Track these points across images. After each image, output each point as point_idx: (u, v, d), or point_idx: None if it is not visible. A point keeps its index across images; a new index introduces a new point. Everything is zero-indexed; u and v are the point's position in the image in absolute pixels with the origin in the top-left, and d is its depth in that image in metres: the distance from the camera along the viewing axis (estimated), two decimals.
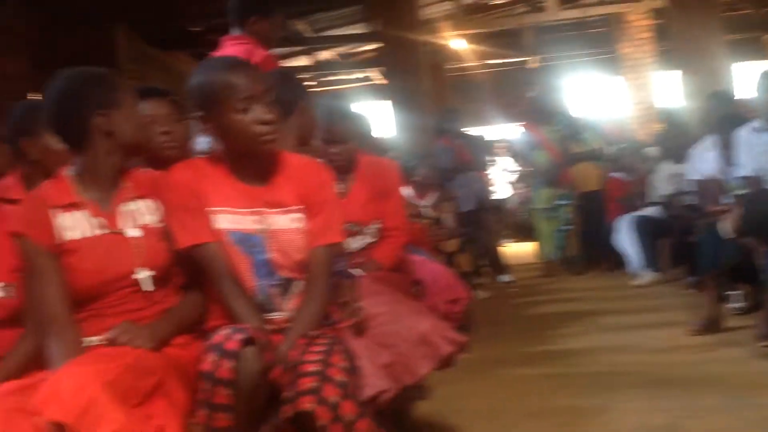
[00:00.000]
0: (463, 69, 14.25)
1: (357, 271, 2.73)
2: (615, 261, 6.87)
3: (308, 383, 1.76)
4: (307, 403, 1.73)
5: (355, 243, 2.98)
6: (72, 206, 2.03)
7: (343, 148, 2.99)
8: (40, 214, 2.00)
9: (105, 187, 2.06)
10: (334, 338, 1.98)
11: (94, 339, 1.98)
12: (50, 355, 1.92)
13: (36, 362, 2.00)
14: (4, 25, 7.36)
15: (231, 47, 3.61)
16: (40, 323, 1.99)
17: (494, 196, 9.50)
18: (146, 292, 2.03)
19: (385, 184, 3.07)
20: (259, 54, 3.51)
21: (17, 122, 2.54)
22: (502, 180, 11.65)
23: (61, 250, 2.00)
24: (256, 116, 2.01)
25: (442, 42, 11.88)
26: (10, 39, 7.44)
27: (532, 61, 14.11)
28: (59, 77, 2.06)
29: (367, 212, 3.00)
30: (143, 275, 2.02)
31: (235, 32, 3.73)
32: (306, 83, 2.97)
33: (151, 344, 1.91)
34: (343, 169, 2.97)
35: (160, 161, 2.43)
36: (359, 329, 2.29)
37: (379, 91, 13.23)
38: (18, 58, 7.51)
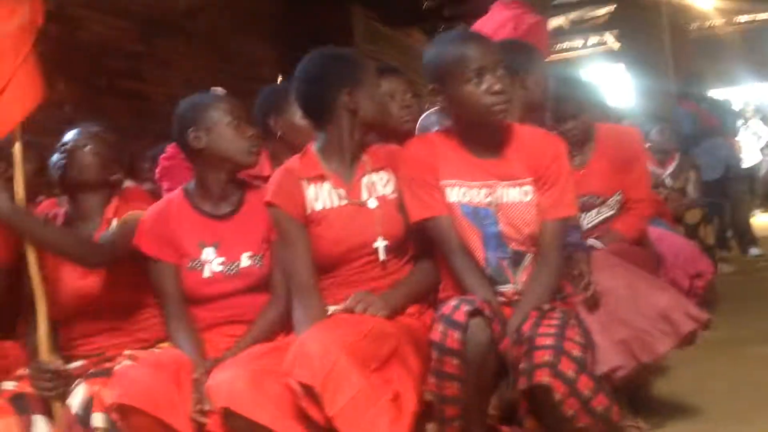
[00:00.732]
0: (709, 28, 13.28)
1: (596, 243, 2.67)
2: None
3: (544, 356, 1.75)
4: (544, 377, 1.73)
5: (595, 216, 2.89)
6: (318, 178, 2.16)
7: (575, 123, 2.90)
8: (292, 186, 2.15)
9: (347, 160, 2.18)
10: (567, 312, 1.95)
11: (334, 307, 2.10)
12: (296, 320, 2.06)
13: (282, 326, 2.17)
14: (252, 11, 7.90)
15: (501, 10, 3.55)
16: (287, 289, 2.14)
17: (743, 163, 8.81)
18: (383, 261, 2.13)
19: (627, 154, 2.91)
20: (528, 20, 3.45)
21: (266, 102, 2.74)
22: (752, 146, 10.78)
23: (309, 220, 2.14)
24: (487, 87, 2.00)
25: (685, 0, 11.15)
26: (257, 24, 7.97)
27: None
28: (309, 58, 2.20)
29: (608, 184, 2.88)
30: (381, 244, 2.11)
31: None
32: (537, 52, 2.89)
33: (385, 312, 1.99)
34: (580, 141, 2.88)
35: (393, 136, 2.52)
36: (593, 303, 2.24)
37: (613, 56, 12.71)
38: (264, 42, 8.04)
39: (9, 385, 2.05)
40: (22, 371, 2.15)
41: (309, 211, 2.14)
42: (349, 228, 2.12)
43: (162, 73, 6.49)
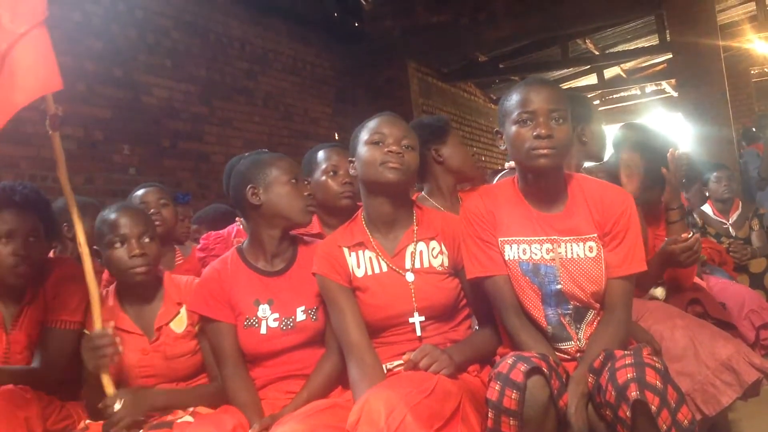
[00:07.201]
0: None
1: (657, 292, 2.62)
2: None
3: (627, 374, 1.68)
4: (633, 392, 1.65)
5: None
6: (359, 246, 2.20)
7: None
8: (335, 255, 2.19)
9: (391, 229, 2.21)
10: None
11: (394, 363, 2.10)
12: (353, 380, 2.05)
13: (337, 380, 2.19)
14: (310, 71, 8.08)
15: None
16: (339, 347, 2.15)
17: None
18: (419, 336, 2.13)
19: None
20: None
21: (306, 164, 2.81)
22: None
23: (354, 286, 2.17)
24: (534, 130, 1.98)
25: (745, 46, 11.04)
26: (316, 83, 8.15)
27: None
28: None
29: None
30: (417, 320, 2.13)
31: None
32: (593, 103, 2.86)
33: (449, 370, 1.96)
34: None
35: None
36: (653, 355, 2.19)
37: (671, 104, 12.60)
38: (322, 100, 8.20)
39: None
40: (84, 424, 2.20)
41: (352, 277, 2.17)
42: (388, 296, 2.14)
43: (222, 133, 6.68)
